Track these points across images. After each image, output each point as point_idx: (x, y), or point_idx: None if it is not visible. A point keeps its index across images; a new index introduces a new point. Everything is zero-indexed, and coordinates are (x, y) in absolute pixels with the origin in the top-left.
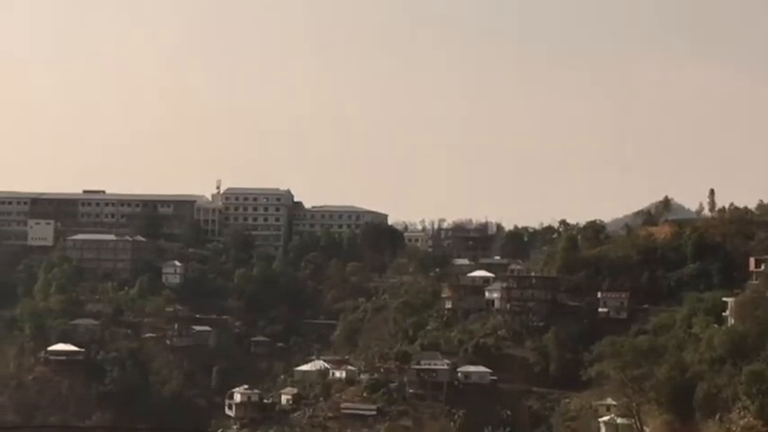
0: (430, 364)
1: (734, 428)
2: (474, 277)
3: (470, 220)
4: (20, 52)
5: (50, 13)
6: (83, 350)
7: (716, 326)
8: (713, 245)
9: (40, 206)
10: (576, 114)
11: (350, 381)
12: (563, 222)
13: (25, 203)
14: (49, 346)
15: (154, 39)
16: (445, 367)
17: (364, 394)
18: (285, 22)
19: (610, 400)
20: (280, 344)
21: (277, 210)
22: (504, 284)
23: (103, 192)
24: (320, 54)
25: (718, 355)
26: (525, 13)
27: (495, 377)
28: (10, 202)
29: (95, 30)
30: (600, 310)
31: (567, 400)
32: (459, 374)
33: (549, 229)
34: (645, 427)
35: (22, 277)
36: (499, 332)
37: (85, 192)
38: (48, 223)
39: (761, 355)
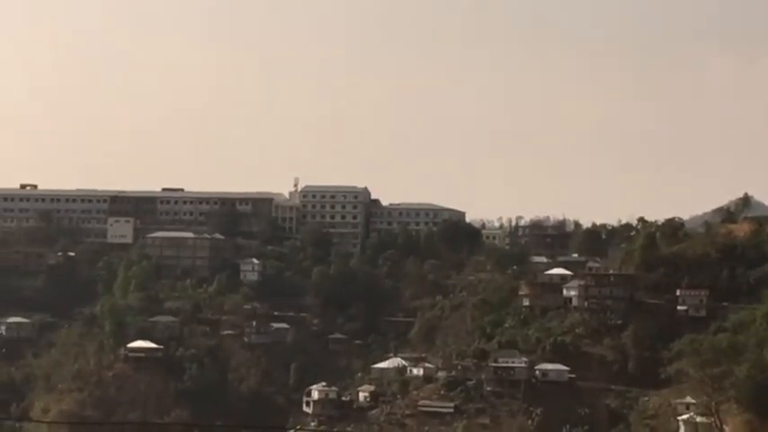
0: (508, 362)
1: None
2: (552, 275)
3: (548, 218)
4: (95, 51)
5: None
6: (162, 347)
7: None
8: None
9: (120, 204)
10: (653, 112)
11: (427, 378)
12: (641, 220)
13: (105, 201)
14: (129, 342)
15: (237, 40)
16: (523, 365)
17: (442, 392)
18: (360, 20)
19: (689, 399)
20: (357, 341)
21: (354, 207)
22: (582, 282)
23: (182, 190)
24: (396, 53)
25: None
26: (599, 13)
27: (573, 375)
28: (90, 201)
29: (183, 28)
30: (679, 307)
31: (646, 399)
32: (537, 372)
33: (628, 226)
34: (724, 426)
35: (102, 275)
36: (577, 330)
37: (164, 190)
38: (127, 221)
39: None
